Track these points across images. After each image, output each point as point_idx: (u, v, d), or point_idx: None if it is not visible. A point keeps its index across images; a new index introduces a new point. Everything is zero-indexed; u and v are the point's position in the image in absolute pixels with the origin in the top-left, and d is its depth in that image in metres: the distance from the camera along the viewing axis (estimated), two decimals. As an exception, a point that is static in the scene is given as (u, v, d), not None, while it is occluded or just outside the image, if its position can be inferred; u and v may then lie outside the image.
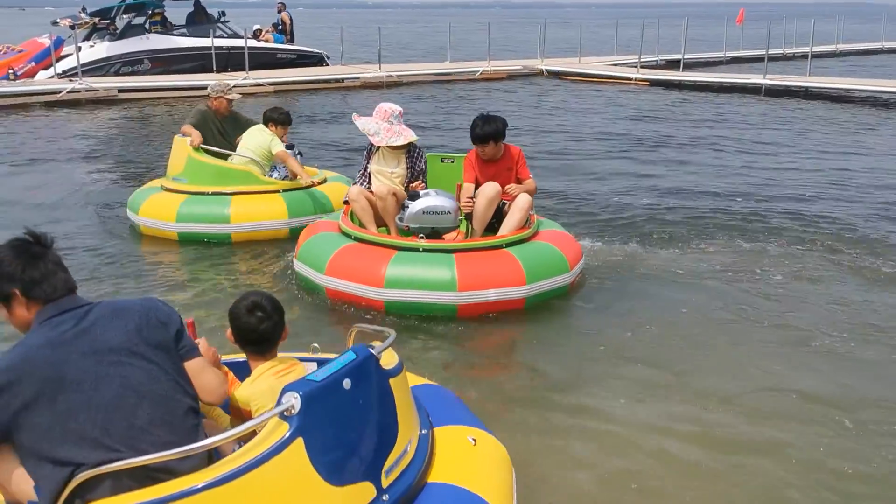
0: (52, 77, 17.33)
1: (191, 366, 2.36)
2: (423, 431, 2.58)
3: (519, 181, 5.73)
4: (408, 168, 5.79)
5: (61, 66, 17.58)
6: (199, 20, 20.81)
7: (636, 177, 9.87)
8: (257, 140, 7.03)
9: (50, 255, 2.30)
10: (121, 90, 16.85)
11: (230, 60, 19.85)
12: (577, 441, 3.69)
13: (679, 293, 5.64)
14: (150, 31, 19.76)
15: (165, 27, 20.16)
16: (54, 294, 2.25)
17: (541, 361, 4.62)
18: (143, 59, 19.12)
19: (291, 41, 22.50)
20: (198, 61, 19.75)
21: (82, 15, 20.33)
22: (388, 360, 2.47)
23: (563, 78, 22.47)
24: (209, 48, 19.56)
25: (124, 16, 19.77)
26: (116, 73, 18.54)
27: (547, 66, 23.53)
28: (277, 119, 7.13)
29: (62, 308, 2.23)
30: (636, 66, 22.57)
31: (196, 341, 2.52)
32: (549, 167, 10.33)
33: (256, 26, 22.38)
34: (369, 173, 5.88)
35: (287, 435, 1.99)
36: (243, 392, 2.60)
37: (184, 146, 6.94)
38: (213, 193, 6.80)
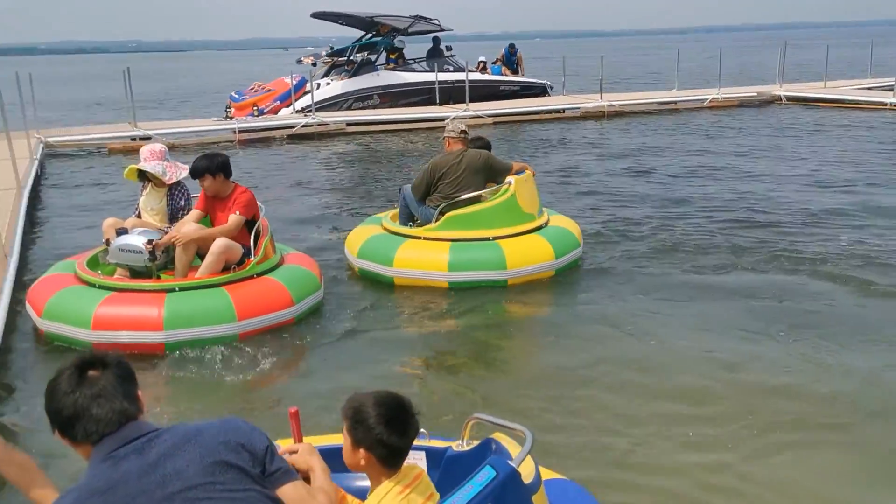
0: (291, 113, 18.71)
1: (287, 494, 1.95)
2: None
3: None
4: (168, 205, 5.94)
5: (300, 103, 18.92)
6: (437, 55, 21.61)
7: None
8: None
9: (99, 384, 1.91)
10: (348, 123, 17.80)
11: (453, 93, 20.31)
12: None
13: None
14: (386, 67, 20.80)
15: (398, 64, 21.07)
16: (95, 436, 1.87)
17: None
18: (373, 95, 20.08)
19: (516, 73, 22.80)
20: (423, 95, 20.42)
21: (323, 54, 21.93)
22: (525, 468, 2.04)
23: (807, 104, 20.56)
24: (433, 82, 20.15)
25: (358, 55, 20.94)
26: (349, 108, 19.62)
27: (786, 91, 21.68)
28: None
29: (123, 440, 1.87)
30: (893, 90, 20.11)
31: (297, 447, 2.18)
32: (788, 203, 9.25)
33: (481, 58, 22.84)
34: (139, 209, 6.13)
35: None
36: None
37: (533, 184, 7.00)
38: None
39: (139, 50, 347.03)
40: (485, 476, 1.91)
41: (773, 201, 9.46)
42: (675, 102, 20.98)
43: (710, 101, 20.85)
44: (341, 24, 21.24)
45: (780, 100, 21.31)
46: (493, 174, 6.82)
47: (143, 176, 6.02)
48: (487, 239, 6.49)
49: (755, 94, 21.96)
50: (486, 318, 5.94)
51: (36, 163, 12.11)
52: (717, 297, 6.22)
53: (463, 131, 6.86)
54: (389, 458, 2.20)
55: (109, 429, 1.87)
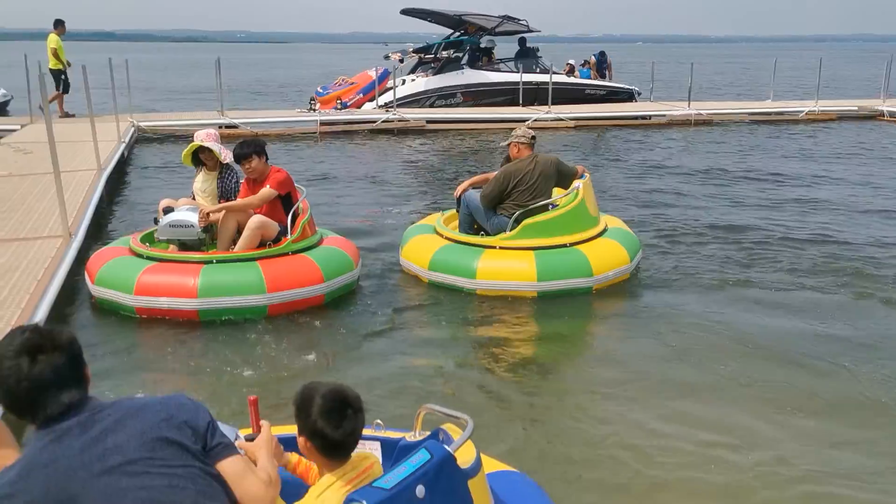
0: (374, 108, 19.01)
1: (226, 468, 1.99)
2: None
3: None
4: (219, 186, 6.29)
5: (383, 98, 19.21)
6: (525, 56, 21.57)
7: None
8: None
9: (48, 371, 1.89)
10: (428, 121, 17.94)
11: (538, 95, 20.20)
12: None
13: None
14: (475, 66, 20.86)
15: (484, 63, 21.04)
16: (40, 421, 1.89)
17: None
18: (457, 93, 20.20)
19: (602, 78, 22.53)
20: (507, 95, 20.41)
21: (410, 50, 22.19)
22: (465, 454, 2.06)
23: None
24: (518, 83, 20.08)
25: (444, 52, 21.07)
26: (431, 106, 19.79)
27: (890, 106, 20.58)
28: None
29: (68, 416, 1.90)
30: None
31: (261, 423, 2.23)
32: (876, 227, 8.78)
33: (570, 61, 22.64)
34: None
35: None
36: None
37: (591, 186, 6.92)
38: None
39: (247, 41, 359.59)
40: (419, 459, 1.95)
41: (854, 229, 8.84)
42: (769, 114, 20.24)
43: (806, 114, 20.02)
44: (429, 21, 21.44)
45: (883, 115, 20.27)
46: (562, 179, 6.75)
47: (196, 161, 6.31)
48: (565, 245, 6.36)
49: (856, 107, 20.97)
50: (546, 328, 5.84)
51: (122, 146, 12.71)
52: (782, 322, 5.86)
53: (532, 137, 6.78)
54: (327, 450, 2.18)
55: (59, 414, 1.90)
